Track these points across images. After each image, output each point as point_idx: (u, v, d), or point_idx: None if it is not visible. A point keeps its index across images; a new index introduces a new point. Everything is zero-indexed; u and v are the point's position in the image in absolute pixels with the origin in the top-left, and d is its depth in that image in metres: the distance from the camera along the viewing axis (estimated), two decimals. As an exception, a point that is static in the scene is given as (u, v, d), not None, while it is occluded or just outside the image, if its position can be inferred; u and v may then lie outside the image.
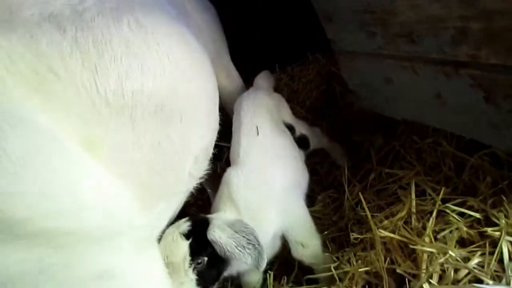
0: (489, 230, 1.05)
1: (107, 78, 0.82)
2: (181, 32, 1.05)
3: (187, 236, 1.05)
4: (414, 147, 1.49)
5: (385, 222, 1.23)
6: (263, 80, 1.78)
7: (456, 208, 1.15)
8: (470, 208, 1.15)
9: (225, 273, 1.15)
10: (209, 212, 1.25)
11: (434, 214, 1.16)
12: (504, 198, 1.10)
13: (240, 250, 1.03)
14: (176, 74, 0.97)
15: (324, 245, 1.33)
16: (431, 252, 1.05)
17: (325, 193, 1.67)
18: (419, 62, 1.01)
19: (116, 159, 0.88)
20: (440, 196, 1.19)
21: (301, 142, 1.60)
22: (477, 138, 1.03)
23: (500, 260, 0.99)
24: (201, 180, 1.24)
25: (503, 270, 0.96)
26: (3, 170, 0.63)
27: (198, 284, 1.04)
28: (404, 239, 1.13)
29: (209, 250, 1.06)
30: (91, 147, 0.82)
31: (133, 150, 0.92)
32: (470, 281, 0.98)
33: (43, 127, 0.74)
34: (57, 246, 0.69)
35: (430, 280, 1.00)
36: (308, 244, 1.27)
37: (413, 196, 1.25)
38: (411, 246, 1.10)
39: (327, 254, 1.29)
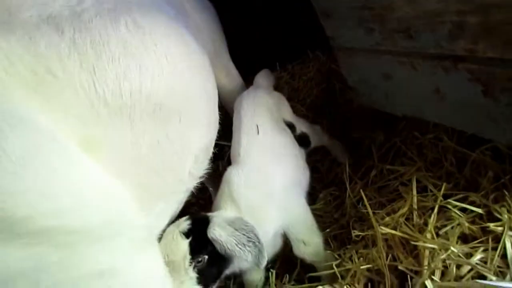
0: (492, 225, 1.05)
1: (105, 78, 0.83)
2: (180, 32, 1.06)
3: (187, 234, 1.05)
4: (415, 143, 1.48)
5: (387, 219, 1.23)
6: (263, 78, 1.78)
7: (457, 203, 1.14)
8: (472, 203, 1.14)
9: (226, 271, 1.16)
10: (210, 211, 1.26)
11: (436, 210, 1.16)
12: (506, 193, 1.09)
13: (240, 248, 1.03)
14: (175, 74, 0.97)
15: (326, 243, 1.33)
16: (433, 249, 1.05)
17: (326, 191, 1.67)
18: (417, 58, 1.01)
19: (115, 159, 0.88)
20: (442, 192, 1.18)
21: (302, 140, 1.60)
22: (477, 133, 1.02)
23: (503, 256, 0.98)
24: (201, 180, 1.24)
25: (507, 266, 0.96)
26: (3, 170, 0.64)
27: (198, 283, 1.04)
28: (406, 236, 1.13)
29: (209, 248, 1.06)
30: (90, 147, 0.83)
31: (132, 150, 0.93)
32: (473, 277, 0.97)
33: (42, 128, 0.74)
34: (58, 245, 0.70)
35: (432, 277, 1.00)
36: (309, 242, 1.27)
37: (414, 192, 1.24)
38: (412, 243, 1.10)
39: (328, 251, 1.29)
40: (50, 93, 0.78)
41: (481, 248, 1.02)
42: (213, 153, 1.32)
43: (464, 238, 1.09)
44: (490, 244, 1.01)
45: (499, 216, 1.06)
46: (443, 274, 1.01)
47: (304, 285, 1.28)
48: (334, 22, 1.26)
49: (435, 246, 1.04)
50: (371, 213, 1.20)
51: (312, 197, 1.61)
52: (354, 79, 1.42)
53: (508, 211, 1.05)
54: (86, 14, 0.84)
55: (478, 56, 0.82)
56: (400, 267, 1.07)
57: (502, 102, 0.84)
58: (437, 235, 1.10)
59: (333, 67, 2.12)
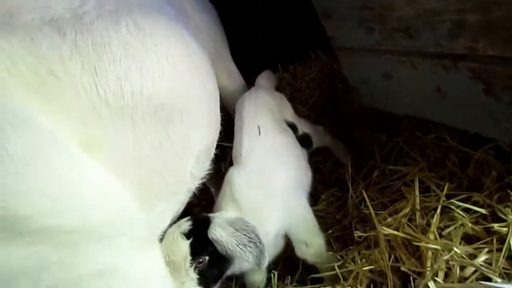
0: (496, 226, 1.03)
1: (106, 80, 0.84)
2: (180, 33, 1.06)
3: (187, 235, 1.06)
4: (417, 143, 1.47)
5: (389, 219, 1.22)
6: (264, 79, 1.78)
7: (461, 204, 1.13)
8: (476, 203, 1.13)
9: (227, 272, 1.15)
10: (212, 212, 1.26)
11: (439, 210, 1.14)
12: (511, 193, 1.07)
13: (241, 249, 1.03)
14: (175, 75, 0.98)
15: (328, 244, 1.33)
16: (436, 249, 1.04)
17: (328, 192, 1.66)
18: (417, 57, 1.01)
19: (116, 160, 0.89)
20: (444, 192, 1.17)
21: (304, 140, 1.60)
22: (479, 132, 1.01)
23: (509, 257, 0.97)
24: (203, 180, 1.25)
25: (512, 267, 0.95)
26: (5, 170, 0.64)
27: (199, 284, 1.04)
28: (408, 237, 1.12)
29: (210, 249, 1.06)
30: (91, 148, 0.83)
31: (133, 151, 0.93)
32: (477, 279, 0.96)
33: (44, 128, 0.75)
34: (58, 245, 0.70)
35: (436, 278, 0.98)
36: (311, 243, 1.27)
37: (417, 192, 1.23)
38: (415, 244, 1.09)
39: (330, 253, 1.28)
40: (52, 94, 0.79)
41: (486, 249, 1.01)
42: (215, 154, 1.32)
43: (467, 239, 1.08)
44: (495, 245, 1.00)
45: (503, 216, 1.05)
46: (446, 276, 1.00)
47: (306, 287, 1.28)
48: (334, 22, 1.26)
49: (438, 247, 1.03)
50: (373, 214, 1.19)
51: (314, 198, 1.61)
52: (354, 79, 1.42)
53: (513, 211, 1.03)
54: (87, 16, 0.85)
55: (479, 55, 0.81)
56: (402, 268, 1.06)
57: (504, 101, 0.83)
58: (440, 236, 1.09)
59: (335, 68, 2.12)
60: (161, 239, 1.08)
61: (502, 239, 1.00)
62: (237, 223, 1.08)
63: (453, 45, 0.87)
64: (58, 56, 0.79)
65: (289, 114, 1.64)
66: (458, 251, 0.99)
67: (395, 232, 1.14)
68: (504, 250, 0.97)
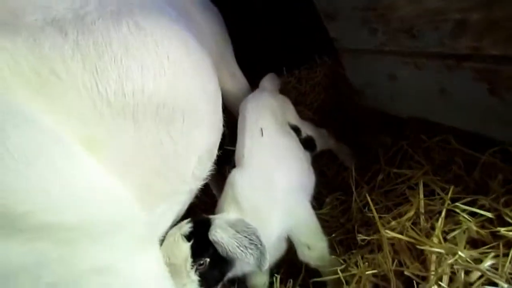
0: (503, 230, 1.01)
1: (107, 79, 0.85)
2: (181, 34, 1.07)
3: (188, 237, 1.05)
4: (422, 146, 1.45)
5: (393, 223, 1.20)
6: (268, 82, 1.78)
7: (466, 207, 1.11)
8: (482, 207, 1.10)
9: (229, 274, 1.14)
10: (214, 214, 1.25)
11: (443, 213, 1.12)
12: (517, 196, 1.05)
13: (242, 250, 1.02)
14: (176, 74, 0.98)
15: (332, 248, 1.31)
16: (440, 253, 1.01)
17: (332, 196, 1.65)
18: (421, 57, 1.00)
19: (118, 159, 0.89)
20: (449, 195, 1.15)
21: (307, 143, 1.59)
22: (484, 133, 0.99)
23: (516, 262, 0.94)
24: (205, 181, 1.24)
25: (519, 273, 0.92)
26: (5, 167, 0.65)
27: (200, 286, 1.03)
28: (412, 240, 1.10)
29: (211, 251, 1.05)
30: (93, 146, 0.84)
31: (135, 150, 0.93)
32: (483, 284, 0.93)
33: (45, 126, 0.76)
34: (58, 242, 0.70)
35: (440, 283, 0.96)
36: (314, 246, 1.25)
37: (421, 195, 1.21)
38: (419, 247, 1.06)
39: (333, 256, 1.26)
40: (54, 93, 0.80)
41: (492, 254, 0.98)
42: (221, 157, 1.32)
43: (473, 243, 1.06)
44: (501, 250, 0.97)
45: (510, 220, 1.02)
46: (451, 280, 0.97)
47: (308, 291, 1.26)
48: (337, 24, 1.26)
49: (442, 251, 1.00)
50: (376, 217, 1.17)
51: (318, 202, 1.60)
52: (358, 81, 1.41)
53: (520, 216, 1.01)
54: (89, 17, 0.86)
55: (482, 54, 0.80)
56: (406, 273, 1.04)
57: (508, 101, 0.82)
58: (445, 240, 1.07)
59: (340, 71, 2.11)
60: (162, 241, 1.08)
61: (509, 243, 0.98)
62: (238, 225, 1.07)
63: (456, 44, 0.86)
64: (60, 56, 0.80)
65: (293, 116, 1.63)
66: (463, 255, 0.97)
67: (399, 236, 1.12)
68: (510, 255, 0.94)
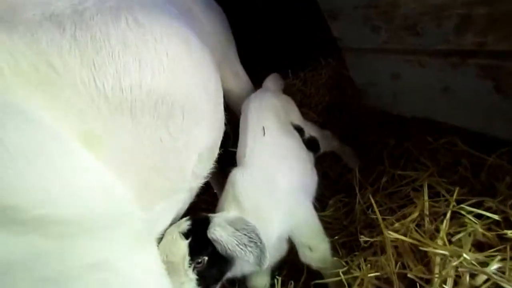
0: (510, 232, 0.98)
1: (105, 74, 0.84)
2: (181, 31, 1.07)
3: (186, 235, 1.04)
4: (427, 147, 1.42)
5: (396, 224, 1.17)
6: (271, 82, 1.78)
7: (472, 209, 1.08)
8: (488, 209, 1.07)
9: (228, 274, 1.13)
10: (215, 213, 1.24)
11: (448, 215, 1.10)
12: (525, 199, 1.02)
13: (241, 248, 1.00)
14: (175, 71, 0.98)
15: (334, 250, 1.29)
16: (444, 255, 0.99)
17: (336, 198, 1.63)
18: (424, 55, 0.98)
19: (116, 155, 0.89)
20: (454, 197, 1.12)
21: (310, 144, 1.57)
22: (488, 131, 0.97)
23: (523, 266, 0.91)
24: (206, 180, 1.23)
25: (527, 276, 0.89)
26: (2, 164, 0.65)
27: (199, 284, 1.02)
28: (416, 242, 1.07)
29: (210, 249, 1.04)
30: (91, 143, 0.84)
31: (133, 146, 0.93)
32: (489, 288, 0.90)
33: (42, 121, 0.75)
34: (54, 236, 0.70)
35: (444, 286, 0.94)
36: (315, 247, 1.23)
37: (426, 197, 1.18)
38: (423, 249, 1.04)
39: (336, 258, 1.24)
40: (51, 89, 0.80)
41: (498, 257, 0.95)
42: (223, 158, 1.31)
43: (479, 246, 1.03)
44: (508, 253, 0.94)
45: (517, 223, 0.99)
46: (456, 284, 0.95)
47: (309, 293, 1.24)
48: (340, 23, 1.25)
49: (446, 253, 0.98)
50: (380, 218, 1.15)
51: (322, 204, 1.57)
52: (362, 80, 1.39)
53: (528, 218, 0.98)
54: (87, 12, 0.86)
55: (487, 50, 0.78)
56: (409, 275, 1.01)
57: (514, 98, 0.80)
58: (450, 242, 1.04)
59: (344, 73, 2.10)
60: (160, 239, 1.07)
61: (516, 247, 0.95)
62: (237, 223, 1.05)
63: (461, 40, 0.84)
64: (57, 50, 0.80)
65: (296, 117, 1.62)
66: (468, 257, 0.94)
67: (402, 237, 1.10)
68: (518, 258, 0.92)
